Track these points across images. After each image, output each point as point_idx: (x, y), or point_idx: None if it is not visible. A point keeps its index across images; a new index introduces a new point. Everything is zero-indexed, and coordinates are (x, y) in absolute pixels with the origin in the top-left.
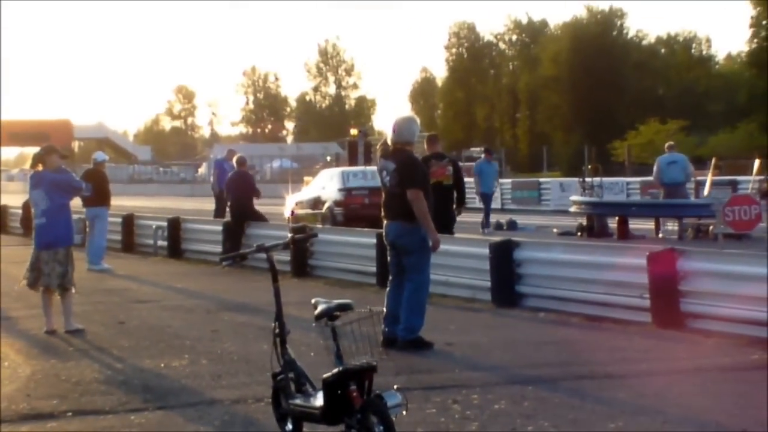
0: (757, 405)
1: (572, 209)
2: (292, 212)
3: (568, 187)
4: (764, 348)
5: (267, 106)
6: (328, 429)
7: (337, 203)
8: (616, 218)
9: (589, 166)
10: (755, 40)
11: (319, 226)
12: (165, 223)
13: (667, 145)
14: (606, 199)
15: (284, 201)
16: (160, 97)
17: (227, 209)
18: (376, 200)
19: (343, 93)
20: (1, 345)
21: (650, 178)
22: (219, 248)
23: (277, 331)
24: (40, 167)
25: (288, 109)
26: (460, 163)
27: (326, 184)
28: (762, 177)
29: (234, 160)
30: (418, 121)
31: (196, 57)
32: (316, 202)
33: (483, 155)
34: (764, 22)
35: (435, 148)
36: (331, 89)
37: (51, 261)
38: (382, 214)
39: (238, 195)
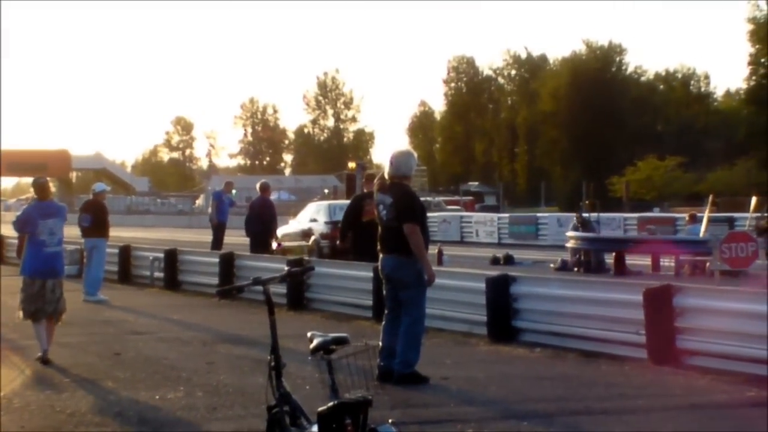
0: None
1: (569, 244)
2: (279, 244)
3: (565, 222)
4: (760, 385)
5: (265, 138)
6: None
7: (323, 236)
8: (613, 254)
9: (586, 202)
10: (754, 78)
11: (306, 258)
12: (162, 255)
13: None
14: (603, 235)
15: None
16: (158, 129)
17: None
18: None
19: (341, 126)
20: None
21: (649, 214)
22: (216, 280)
23: (272, 363)
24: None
25: (286, 142)
26: (460, 198)
27: (313, 217)
28: (759, 214)
29: (258, 186)
30: (416, 155)
31: (196, 88)
32: (303, 235)
33: None
34: (763, 60)
35: (371, 186)
36: (330, 122)
37: (57, 289)
38: (378, 247)
39: (259, 224)
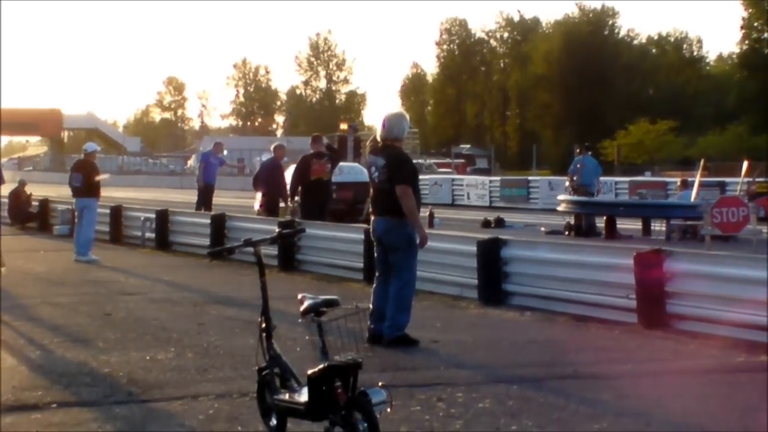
0: (742, 407)
1: (560, 208)
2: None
3: (556, 185)
4: (749, 350)
5: (257, 99)
6: (312, 425)
7: None
8: (604, 218)
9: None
10: (746, 42)
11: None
12: (153, 215)
13: None
14: (594, 199)
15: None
16: (150, 89)
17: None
18: (344, 196)
19: (333, 87)
20: None
21: (640, 178)
22: (207, 241)
23: (263, 325)
24: None
25: (278, 103)
26: (451, 160)
27: None
28: (750, 179)
29: (272, 147)
30: (408, 117)
31: (188, 49)
32: None
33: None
34: (756, 24)
35: (318, 147)
36: (322, 83)
37: None
38: (369, 209)
39: (271, 186)
